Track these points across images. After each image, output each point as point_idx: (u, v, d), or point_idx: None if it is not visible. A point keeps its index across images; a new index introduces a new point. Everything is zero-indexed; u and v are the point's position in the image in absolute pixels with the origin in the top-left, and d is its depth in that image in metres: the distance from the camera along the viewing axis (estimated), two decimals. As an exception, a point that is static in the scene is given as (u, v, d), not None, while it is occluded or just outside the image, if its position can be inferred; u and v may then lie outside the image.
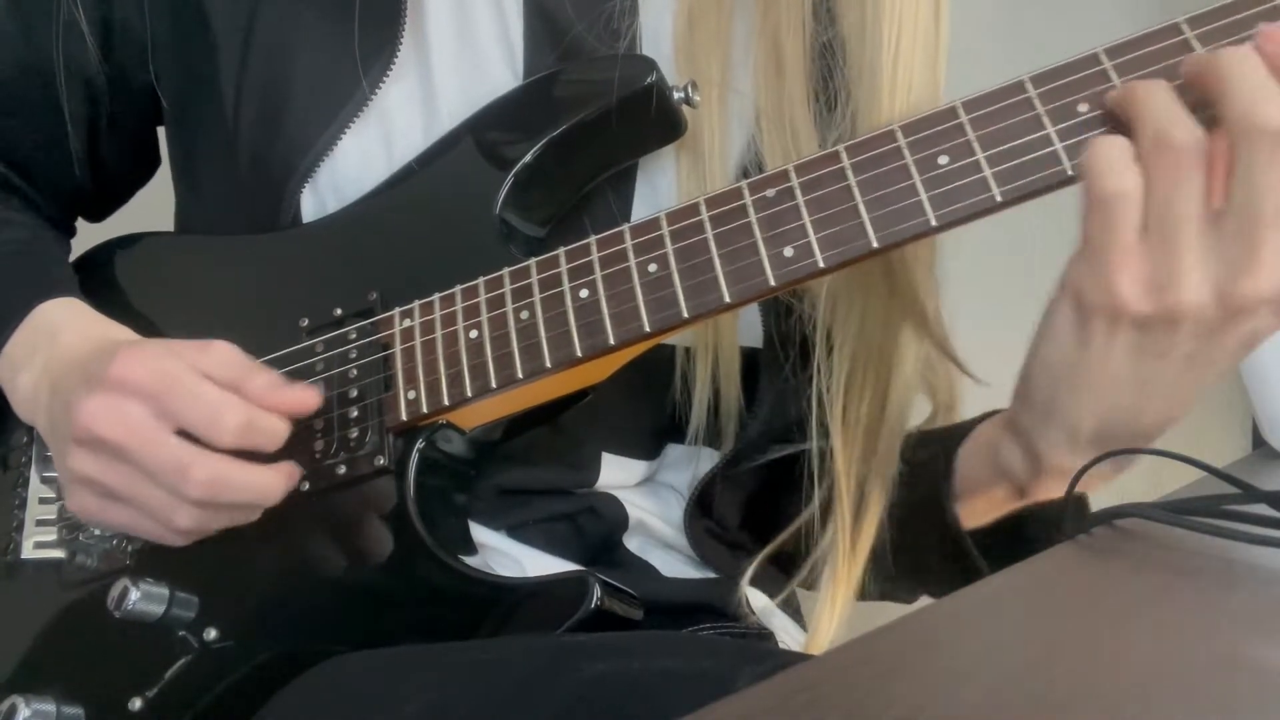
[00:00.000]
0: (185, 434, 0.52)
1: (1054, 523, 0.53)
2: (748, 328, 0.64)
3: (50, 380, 0.57)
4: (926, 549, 0.61)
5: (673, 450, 0.69)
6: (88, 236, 0.75)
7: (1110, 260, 0.47)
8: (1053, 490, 0.56)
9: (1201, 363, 0.49)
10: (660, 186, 0.63)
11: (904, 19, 0.58)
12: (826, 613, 0.61)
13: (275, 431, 0.54)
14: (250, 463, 0.53)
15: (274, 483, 0.54)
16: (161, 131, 0.74)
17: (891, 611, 0.39)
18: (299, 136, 0.62)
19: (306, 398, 0.56)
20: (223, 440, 0.52)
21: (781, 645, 0.67)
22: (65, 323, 0.60)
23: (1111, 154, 0.47)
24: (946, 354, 0.64)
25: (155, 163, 0.76)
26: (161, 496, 0.52)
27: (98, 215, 0.78)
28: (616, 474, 0.66)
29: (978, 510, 0.60)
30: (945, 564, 0.61)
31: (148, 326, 0.65)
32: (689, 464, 0.69)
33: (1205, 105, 0.47)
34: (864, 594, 0.64)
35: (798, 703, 0.29)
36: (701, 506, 0.68)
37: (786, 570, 0.67)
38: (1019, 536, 0.58)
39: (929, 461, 0.61)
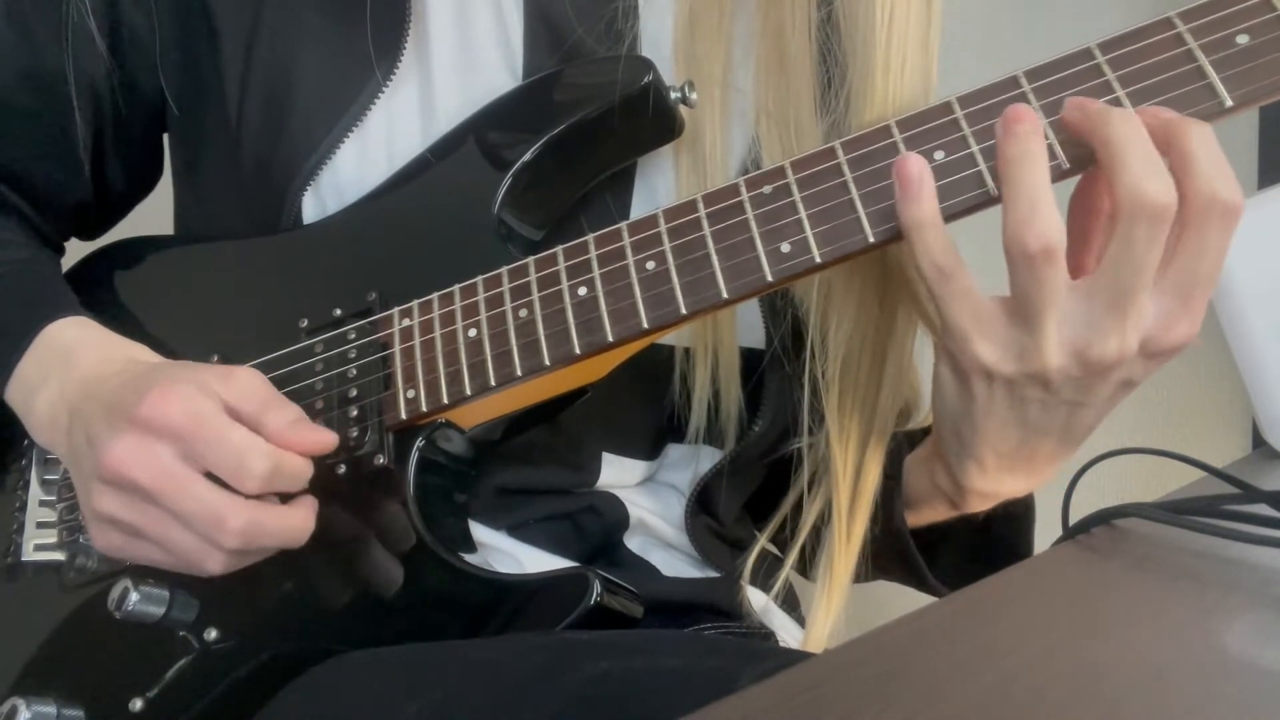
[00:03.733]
0: (211, 476, 0.52)
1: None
2: (749, 328, 0.64)
3: (69, 405, 0.56)
4: (881, 547, 0.65)
5: (673, 450, 0.69)
6: (76, 249, 0.75)
7: (963, 323, 0.49)
8: (976, 506, 0.61)
9: (1085, 405, 0.51)
10: (659, 187, 0.63)
11: None
12: (824, 600, 0.61)
13: (299, 475, 0.54)
14: (281, 506, 0.53)
15: (304, 524, 0.54)
16: (164, 140, 0.73)
17: (891, 611, 0.39)
18: (302, 140, 0.62)
19: (325, 439, 0.55)
20: (248, 487, 0.51)
21: (782, 645, 0.67)
22: (78, 343, 0.60)
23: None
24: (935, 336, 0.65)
25: (157, 174, 0.76)
26: (194, 541, 0.52)
27: (94, 232, 0.77)
28: (617, 474, 0.66)
29: (924, 519, 0.65)
30: (896, 564, 0.66)
31: (148, 330, 0.65)
32: (689, 463, 0.69)
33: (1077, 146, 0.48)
34: (857, 576, 0.65)
35: (798, 702, 0.29)
36: (702, 504, 0.68)
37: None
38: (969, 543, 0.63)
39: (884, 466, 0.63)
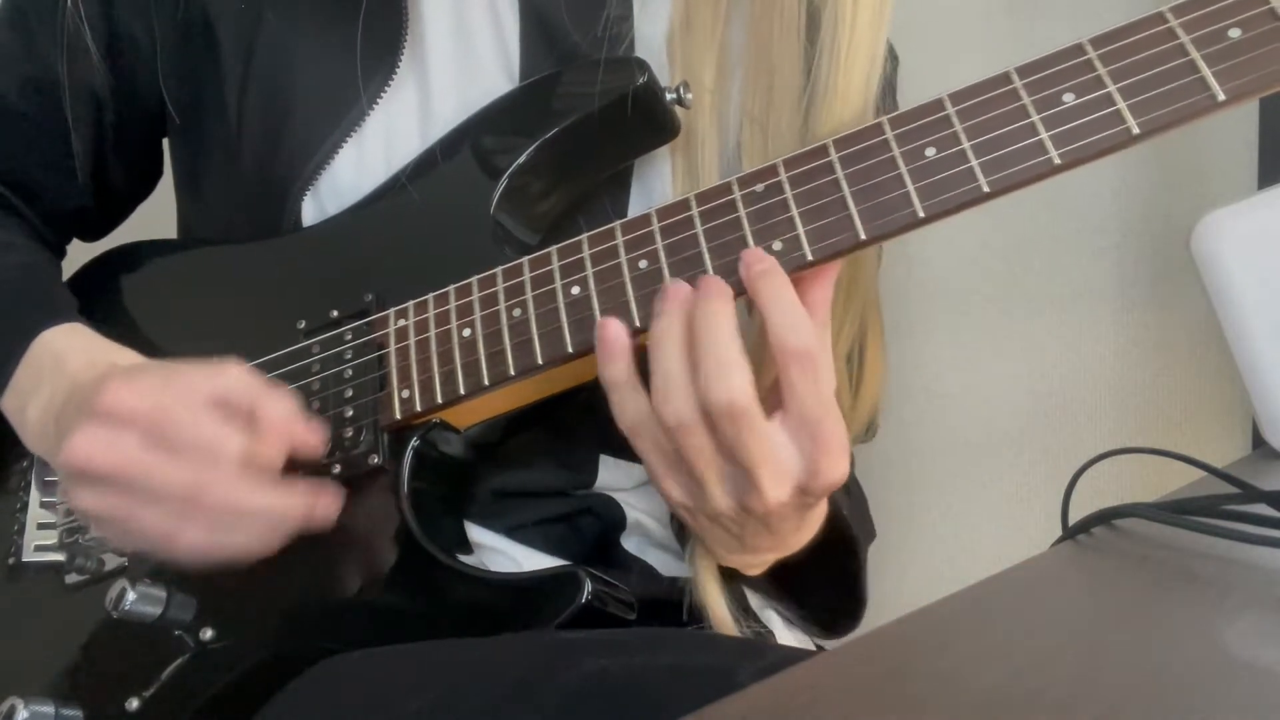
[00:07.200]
0: None
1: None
2: None
3: (55, 412, 0.56)
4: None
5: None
6: (77, 253, 0.75)
7: (655, 469, 0.51)
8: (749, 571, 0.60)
9: (778, 531, 0.52)
10: (655, 189, 0.63)
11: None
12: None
13: (272, 461, 0.53)
14: (269, 484, 0.52)
15: (294, 506, 0.53)
16: (164, 143, 0.73)
17: (891, 611, 0.39)
18: (302, 145, 0.63)
19: (314, 440, 0.55)
20: (223, 467, 0.51)
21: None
22: (69, 349, 0.59)
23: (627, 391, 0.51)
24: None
25: (158, 175, 0.76)
26: (161, 518, 0.51)
27: (95, 235, 0.77)
28: (614, 476, 0.66)
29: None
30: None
31: (150, 334, 0.65)
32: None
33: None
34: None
35: (798, 702, 0.29)
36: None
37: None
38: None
39: None
